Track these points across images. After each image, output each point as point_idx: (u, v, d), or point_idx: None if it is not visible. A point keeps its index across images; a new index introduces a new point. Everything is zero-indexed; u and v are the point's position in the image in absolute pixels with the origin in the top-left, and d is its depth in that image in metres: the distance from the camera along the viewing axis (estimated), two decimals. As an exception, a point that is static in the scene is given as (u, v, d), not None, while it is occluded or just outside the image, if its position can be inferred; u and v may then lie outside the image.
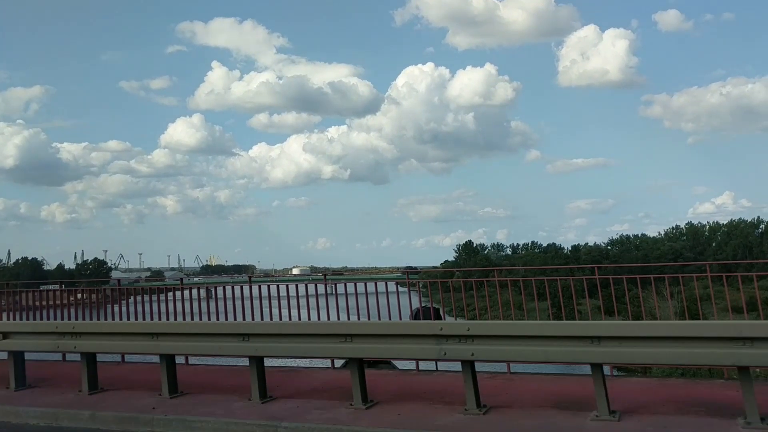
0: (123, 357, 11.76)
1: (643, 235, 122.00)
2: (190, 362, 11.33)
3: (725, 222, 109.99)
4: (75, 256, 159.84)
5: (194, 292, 12.80)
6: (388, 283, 12.62)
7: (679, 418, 6.81)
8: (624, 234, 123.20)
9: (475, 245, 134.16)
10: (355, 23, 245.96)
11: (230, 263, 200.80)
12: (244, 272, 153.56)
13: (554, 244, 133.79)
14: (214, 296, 13.95)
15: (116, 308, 13.35)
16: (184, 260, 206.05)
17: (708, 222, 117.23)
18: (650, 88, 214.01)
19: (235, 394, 8.77)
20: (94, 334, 9.35)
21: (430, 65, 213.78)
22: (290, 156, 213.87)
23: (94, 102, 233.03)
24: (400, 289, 12.34)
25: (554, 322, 8.53)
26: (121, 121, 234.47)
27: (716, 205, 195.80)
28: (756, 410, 6.28)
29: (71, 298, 15.03)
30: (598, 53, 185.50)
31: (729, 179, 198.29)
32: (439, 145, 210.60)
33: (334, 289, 13.32)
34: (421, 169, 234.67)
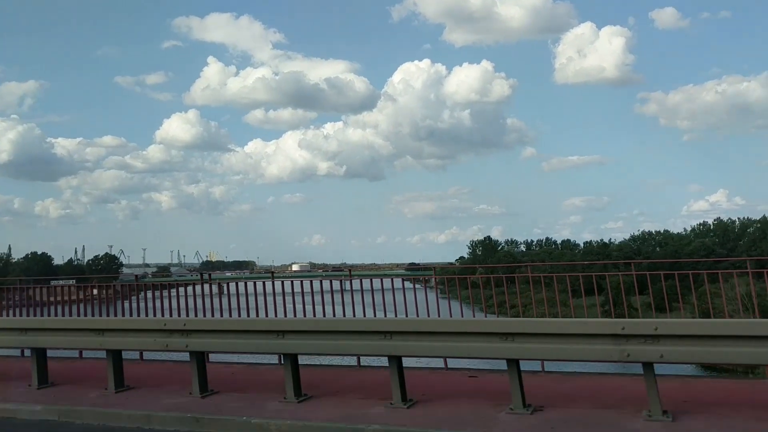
0: (141, 355, 11.45)
1: (666, 231, 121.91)
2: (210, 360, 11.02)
3: (758, 218, 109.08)
4: (75, 252, 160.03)
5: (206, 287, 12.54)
6: (394, 279, 12.40)
7: (591, 412, 7.11)
8: (646, 231, 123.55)
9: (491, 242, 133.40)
10: (352, 19, 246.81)
11: (230, 259, 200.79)
12: (245, 268, 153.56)
13: (569, 240, 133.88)
14: (227, 292, 13.63)
15: (134, 304, 13.02)
16: (184, 256, 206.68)
17: (737, 218, 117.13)
18: (646, 86, 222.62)
19: (265, 392, 8.52)
20: (206, 331, 8.68)
21: (426, 62, 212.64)
22: (286, 152, 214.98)
23: (89, 97, 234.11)
24: (407, 285, 12.01)
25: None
26: (116, 116, 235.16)
27: (710, 203, 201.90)
28: (658, 404, 6.64)
29: (84, 294, 14.67)
30: (595, 50, 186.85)
31: (723, 177, 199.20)
32: (435, 142, 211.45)
33: (350, 285, 12.94)
34: (417, 165, 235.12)
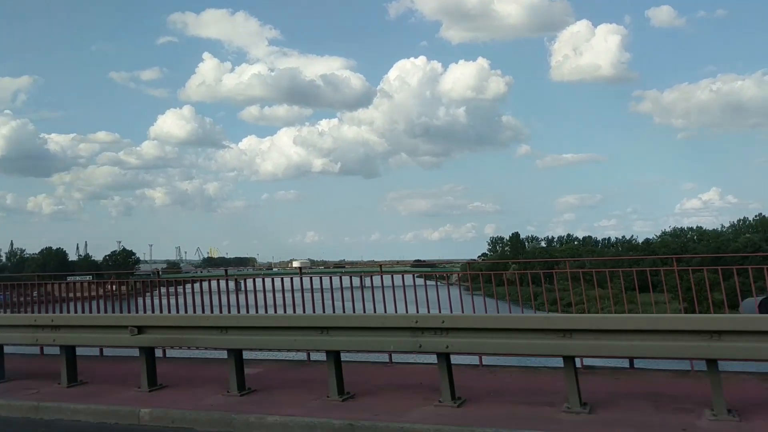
0: (165, 352, 11.01)
1: (699, 227, 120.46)
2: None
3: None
4: (77, 248, 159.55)
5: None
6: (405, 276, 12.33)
7: (514, 407, 7.11)
8: (678, 227, 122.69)
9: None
10: (348, 16, 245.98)
11: (230, 255, 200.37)
12: (247, 265, 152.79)
13: (590, 237, 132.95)
14: (243, 289, 13.23)
15: (155, 300, 12.57)
16: (185, 252, 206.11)
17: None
18: (642, 84, 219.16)
19: (305, 390, 8.29)
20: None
21: (422, 59, 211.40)
22: (280, 149, 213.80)
23: (83, 93, 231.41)
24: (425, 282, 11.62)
25: None
26: (110, 112, 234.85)
27: (703, 201, 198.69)
28: (577, 396, 6.79)
29: (104, 290, 14.55)
30: (591, 48, 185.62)
31: (716, 175, 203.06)
32: (430, 139, 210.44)
33: (370, 282, 12.64)
34: (412, 163, 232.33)
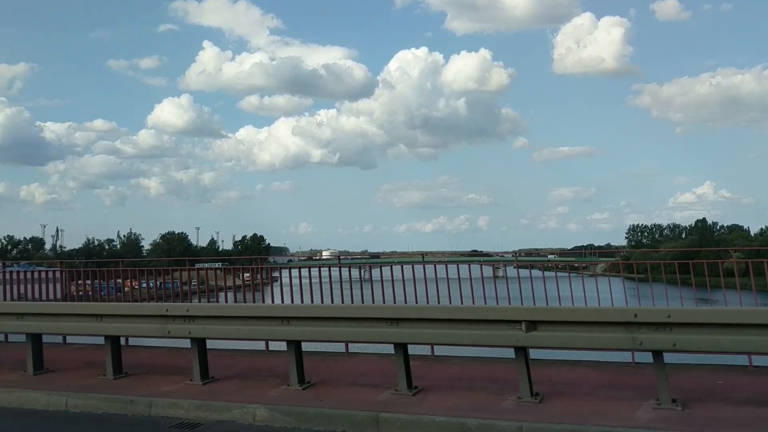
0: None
1: None
2: (270, 348, 10.72)
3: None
4: (118, 234, 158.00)
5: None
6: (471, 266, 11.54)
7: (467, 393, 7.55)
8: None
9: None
10: (354, 6, 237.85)
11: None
12: (280, 254, 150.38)
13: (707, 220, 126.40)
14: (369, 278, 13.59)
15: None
16: (223, 241, 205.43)
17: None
18: (642, 78, 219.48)
19: (369, 385, 8.11)
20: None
21: (423, 50, 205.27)
22: (278, 139, 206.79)
23: (80, 80, 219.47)
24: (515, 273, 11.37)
25: None
26: (107, 100, 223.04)
27: (697, 195, 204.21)
28: (528, 387, 7.10)
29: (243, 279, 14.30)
30: (594, 41, 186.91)
31: (711, 169, 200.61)
32: (429, 131, 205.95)
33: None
34: (409, 154, 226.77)
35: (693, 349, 6.78)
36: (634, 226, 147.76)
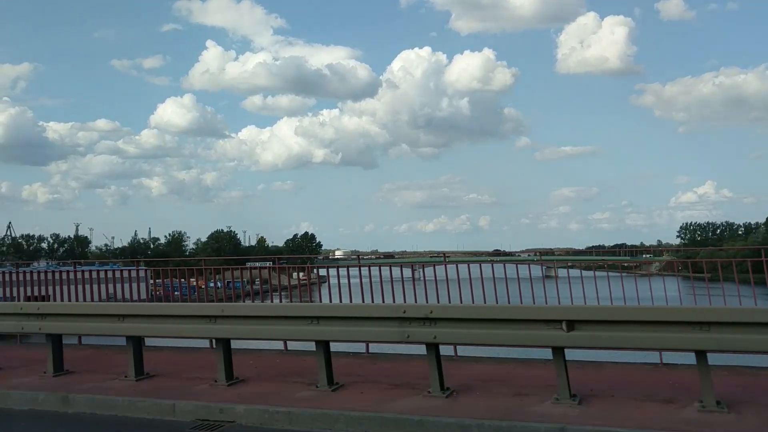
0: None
1: None
2: (289, 348, 10.60)
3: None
4: (149, 231, 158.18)
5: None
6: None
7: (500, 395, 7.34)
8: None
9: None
10: (359, 6, 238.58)
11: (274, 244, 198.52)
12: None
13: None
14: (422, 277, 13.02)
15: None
16: (249, 237, 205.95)
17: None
18: (646, 77, 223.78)
19: (397, 386, 7.95)
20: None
21: (427, 49, 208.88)
22: (281, 139, 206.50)
23: (83, 80, 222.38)
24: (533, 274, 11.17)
25: None
26: (110, 100, 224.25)
27: (698, 195, 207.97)
28: (566, 388, 6.86)
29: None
30: (598, 41, 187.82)
31: (713, 169, 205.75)
32: (432, 131, 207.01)
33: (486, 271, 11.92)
34: (411, 154, 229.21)
35: (451, 342, 7.67)
36: (686, 224, 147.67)
